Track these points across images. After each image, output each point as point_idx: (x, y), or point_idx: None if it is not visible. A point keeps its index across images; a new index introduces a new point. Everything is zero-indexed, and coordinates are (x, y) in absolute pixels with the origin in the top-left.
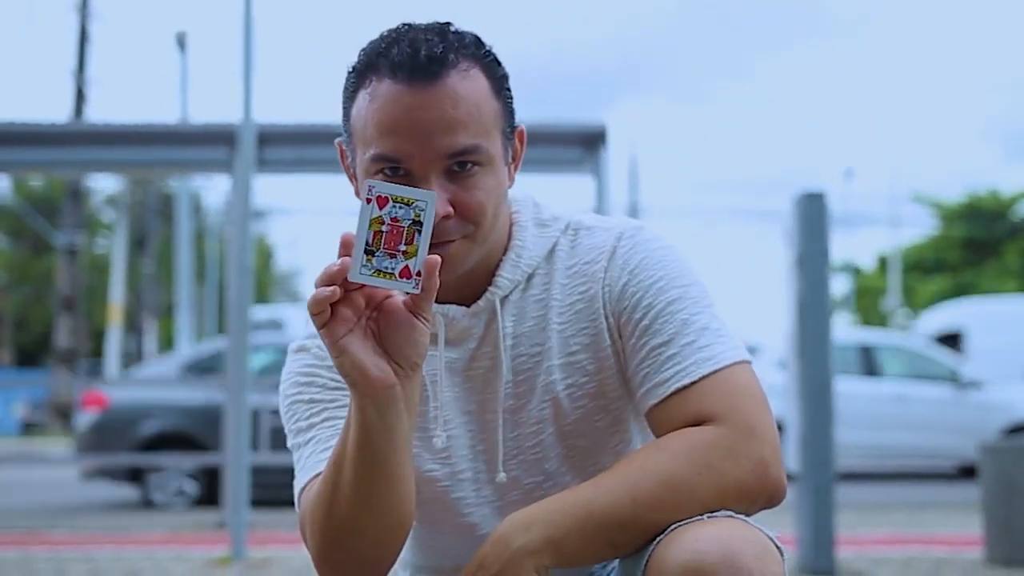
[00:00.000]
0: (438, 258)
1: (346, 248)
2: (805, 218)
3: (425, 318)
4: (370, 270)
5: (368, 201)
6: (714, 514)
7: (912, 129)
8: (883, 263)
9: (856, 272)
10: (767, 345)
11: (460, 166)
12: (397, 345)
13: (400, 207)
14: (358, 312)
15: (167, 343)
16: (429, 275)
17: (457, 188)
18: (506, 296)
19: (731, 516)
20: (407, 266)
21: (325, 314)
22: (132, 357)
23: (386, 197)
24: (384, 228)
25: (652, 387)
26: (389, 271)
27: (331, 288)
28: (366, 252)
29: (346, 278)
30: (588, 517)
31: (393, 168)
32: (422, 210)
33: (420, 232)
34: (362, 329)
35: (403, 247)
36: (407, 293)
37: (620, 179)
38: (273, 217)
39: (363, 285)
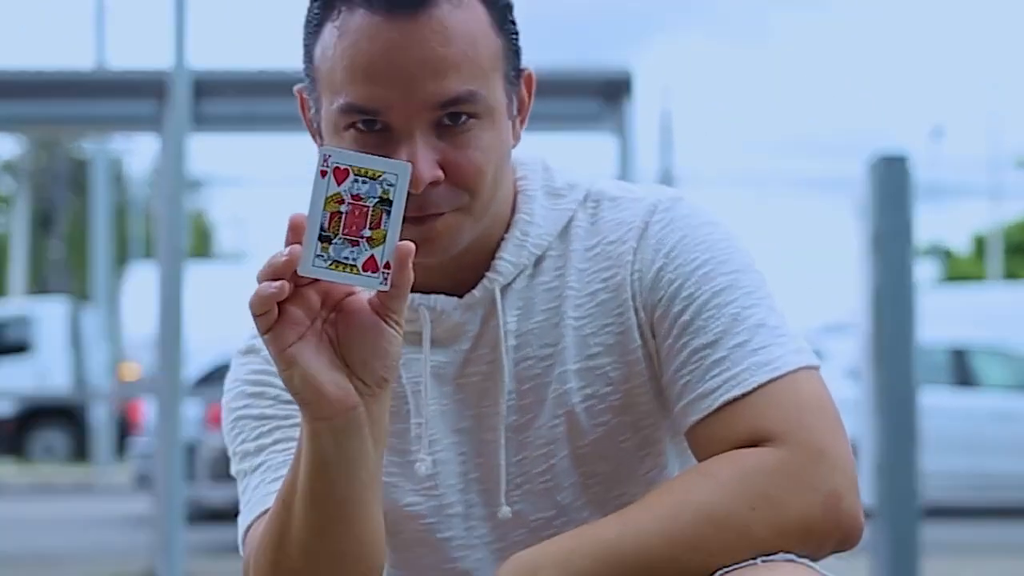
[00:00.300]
0: (411, 245)
1: (296, 233)
2: (883, 187)
3: (396, 321)
4: (326, 261)
5: (323, 174)
6: (771, 557)
7: (1016, 80)
8: (980, 244)
9: (946, 255)
10: (834, 349)
11: (452, 119)
12: (360, 356)
13: (363, 182)
14: (312, 314)
15: None
16: (401, 267)
17: (448, 147)
18: (509, 284)
19: (792, 560)
20: (372, 256)
21: (271, 315)
22: None
23: (346, 169)
24: (344, 208)
25: (694, 399)
26: (350, 262)
27: (278, 283)
28: (321, 239)
29: (296, 271)
30: (612, 559)
31: (368, 121)
32: (392, 185)
33: (389, 213)
34: (316, 335)
35: (367, 232)
36: (373, 290)
37: (649, 139)
38: (213, 188)
39: (318, 280)
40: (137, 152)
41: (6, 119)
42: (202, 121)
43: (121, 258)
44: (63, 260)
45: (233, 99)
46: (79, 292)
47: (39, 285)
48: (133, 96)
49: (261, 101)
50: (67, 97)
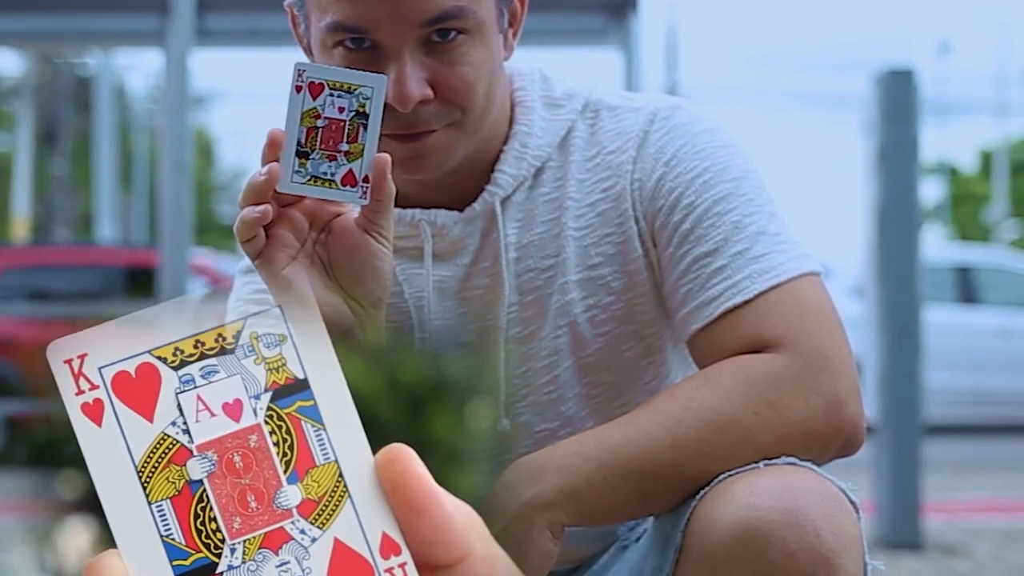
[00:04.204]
0: (388, 157)
1: (274, 149)
2: (889, 101)
3: (383, 236)
4: (304, 177)
5: (298, 89)
6: (773, 461)
7: None
8: (986, 161)
9: (952, 173)
10: (840, 267)
11: (440, 35)
12: (353, 276)
13: (339, 95)
14: (301, 235)
15: None
16: (380, 180)
17: (437, 64)
18: (508, 196)
19: (794, 463)
20: (350, 170)
21: (258, 241)
22: None
23: (320, 83)
24: (320, 123)
25: (696, 307)
26: (328, 177)
27: (261, 208)
28: (299, 154)
29: (277, 191)
30: (615, 463)
31: (356, 39)
32: (367, 98)
33: (366, 127)
34: (308, 257)
35: (345, 146)
36: (354, 205)
37: (655, 54)
38: (216, 103)
39: (300, 198)
40: (138, 68)
41: (8, 33)
42: (205, 35)
43: (125, 175)
44: (67, 177)
45: (235, 14)
46: (84, 208)
47: (43, 202)
48: (136, 10)
49: (263, 16)
50: (70, 11)
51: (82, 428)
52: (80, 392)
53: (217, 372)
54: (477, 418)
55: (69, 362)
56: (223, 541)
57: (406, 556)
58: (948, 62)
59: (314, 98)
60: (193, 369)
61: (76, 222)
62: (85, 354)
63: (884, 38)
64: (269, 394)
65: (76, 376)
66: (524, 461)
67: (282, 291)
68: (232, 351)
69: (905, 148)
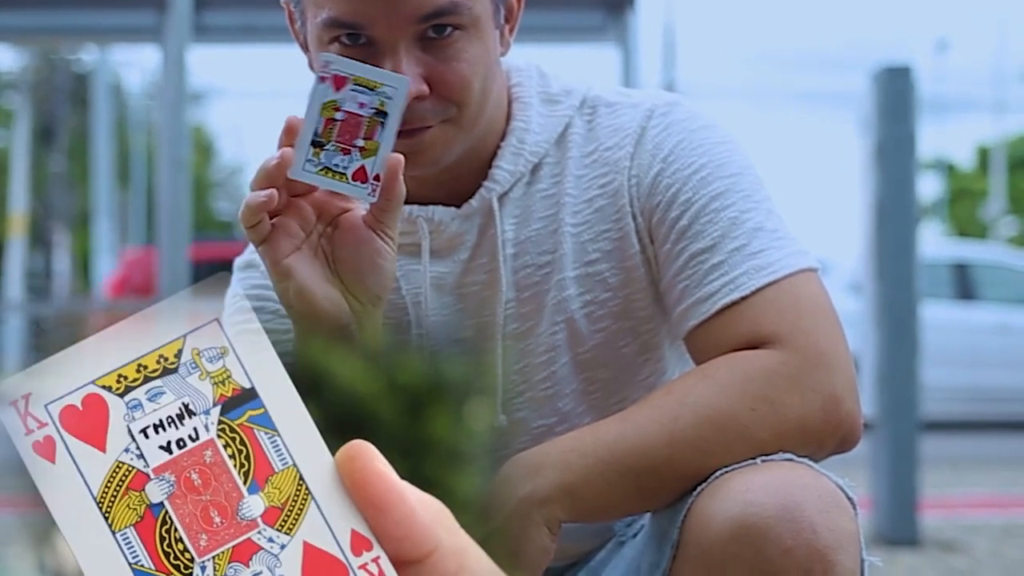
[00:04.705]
0: (401, 158)
1: (290, 135)
2: (887, 97)
3: (389, 236)
4: (316, 166)
5: (322, 80)
6: (770, 457)
7: None
8: (983, 158)
9: (950, 169)
10: (837, 264)
11: (436, 31)
12: (355, 272)
13: (361, 92)
14: (307, 226)
15: (82, 259)
16: (392, 179)
17: (433, 60)
18: (506, 193)
19: (791, 460)
20: (363, 166)
21: (263, 227)
22: (39, 277)
23: (345, 77)
24: (339, 116)
25: (693, 304)
26: (339, 170)
27: (267, 192)
28: (314, 144)
29: (288, 177)
30: (612, 459)
31: (352, 35)
32: (389, 98)
33: (384, 125)
34: (312, 248)
35: (360, 142)
36: (361, 200)
37: (652, 52)
38: (213, 99)
39: (310, 189)
40: (136, 65)
41: (5, 29)
42: (202, 32)
43: (123, 171)
44: (64, 174)
45: (233, 10)
46: (81, 205)
47: (40, 199)
48: (133, 6)
49: (261, 12)
50: (67, 7)
51: (36, 467)
52: (29, 431)
53: (163, 393)
54: (474, 414)
55: (15, 404)
56: (192, 560)
57: (379, 550)
58: (946, 59)
59: (336, 90)
60: (139, 393)
61: (73, 219)
62: (29, 394)
63: (882, 35)
64: (218, 408)
65: (23, 416)
66: (521, 457)
67: (282, 280)
68: (175, 370)
69: (903, 145)
